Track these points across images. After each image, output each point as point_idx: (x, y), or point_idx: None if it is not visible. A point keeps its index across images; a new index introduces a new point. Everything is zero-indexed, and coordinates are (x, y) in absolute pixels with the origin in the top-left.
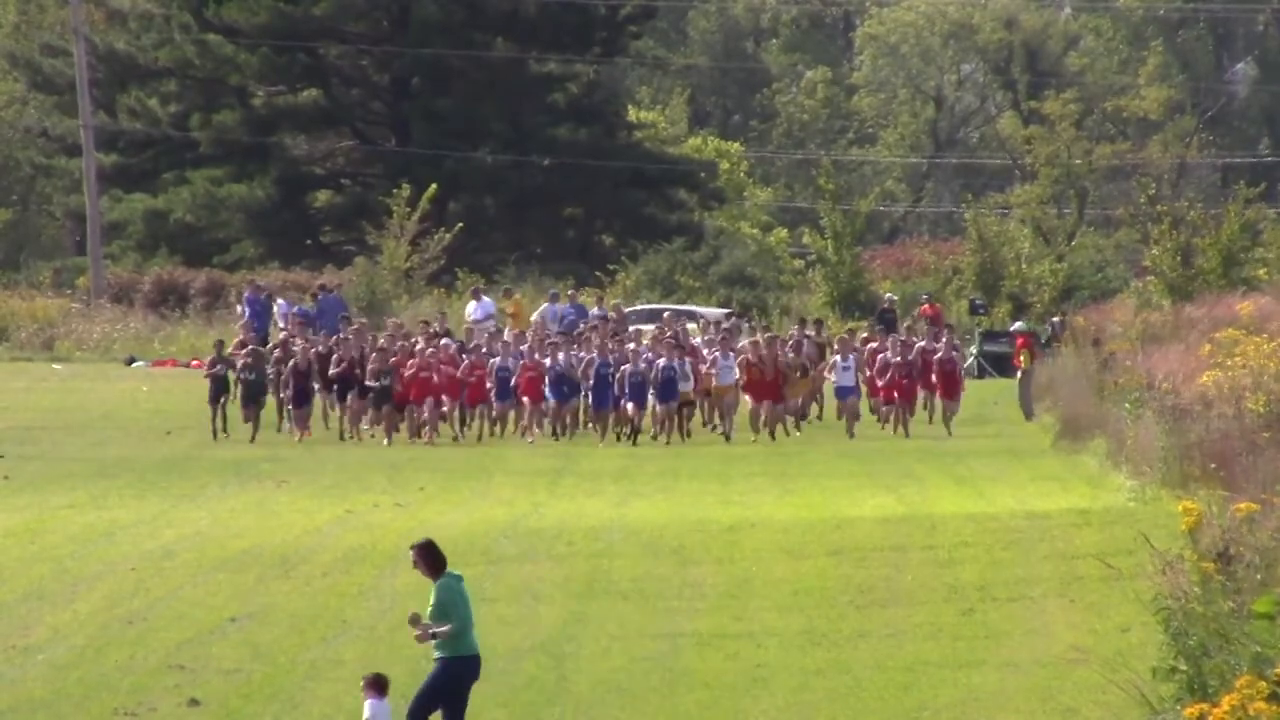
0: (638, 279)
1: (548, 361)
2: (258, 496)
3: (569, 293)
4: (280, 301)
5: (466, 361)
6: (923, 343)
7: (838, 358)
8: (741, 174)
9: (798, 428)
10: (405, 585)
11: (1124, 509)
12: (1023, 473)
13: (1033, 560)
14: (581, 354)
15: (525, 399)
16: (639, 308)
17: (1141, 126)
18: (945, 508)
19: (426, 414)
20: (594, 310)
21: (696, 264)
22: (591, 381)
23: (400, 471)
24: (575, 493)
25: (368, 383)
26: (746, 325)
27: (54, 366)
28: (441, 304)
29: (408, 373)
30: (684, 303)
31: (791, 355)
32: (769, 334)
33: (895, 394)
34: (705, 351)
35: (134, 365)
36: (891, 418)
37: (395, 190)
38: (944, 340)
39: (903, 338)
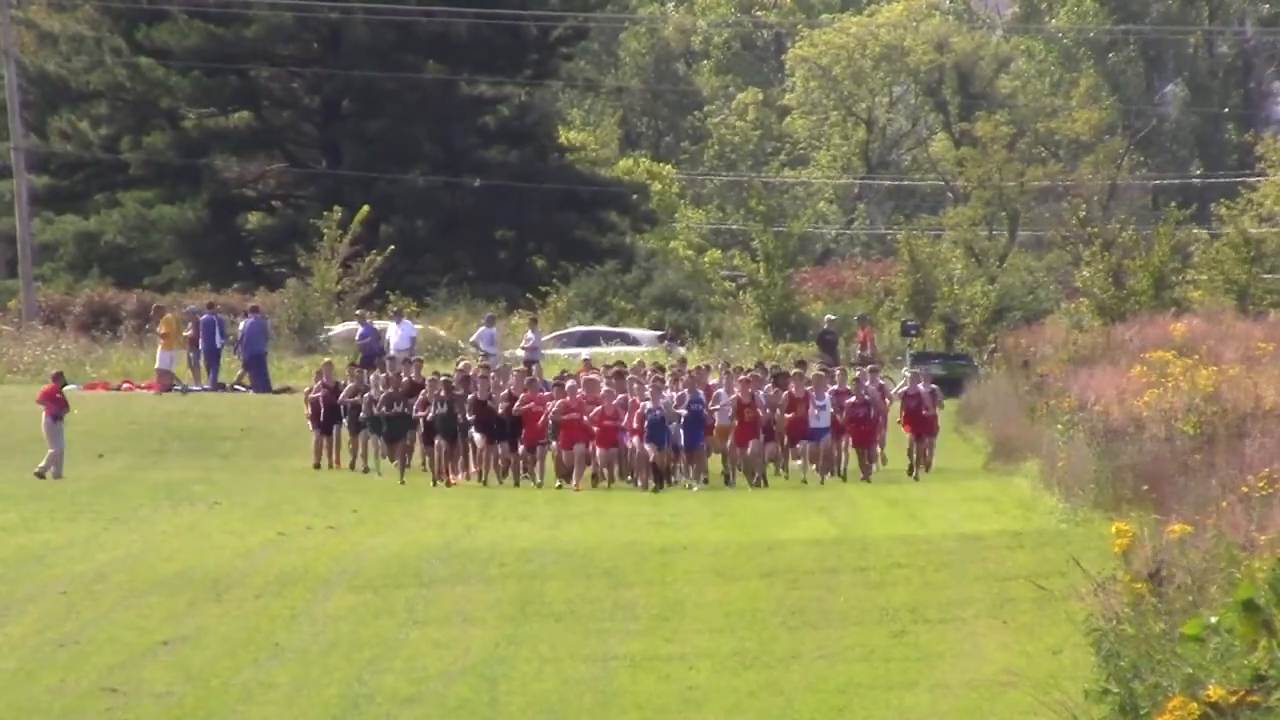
0: (569, 301)
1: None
2: (189, 519)
3: (368, 314)
4: (486, 330)
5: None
6: (921, 386)
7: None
8: (673, 196)
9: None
10: (337, 608)
11: (1056, 531)
12: (954, 494)
13: (965, 582)
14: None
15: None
16: (570, 330)
17: (1073, 148)
18: (877, 529)
19: (577, 460)
20: (528, 335)
21: (628, 286)
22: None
23: (332, 494)
24: (508, 515)
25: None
26: (681, 349)
27: None
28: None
29: (564, 416)
30: (616, 325)
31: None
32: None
33: (851, 436)
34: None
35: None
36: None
37: (326, 213)
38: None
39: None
